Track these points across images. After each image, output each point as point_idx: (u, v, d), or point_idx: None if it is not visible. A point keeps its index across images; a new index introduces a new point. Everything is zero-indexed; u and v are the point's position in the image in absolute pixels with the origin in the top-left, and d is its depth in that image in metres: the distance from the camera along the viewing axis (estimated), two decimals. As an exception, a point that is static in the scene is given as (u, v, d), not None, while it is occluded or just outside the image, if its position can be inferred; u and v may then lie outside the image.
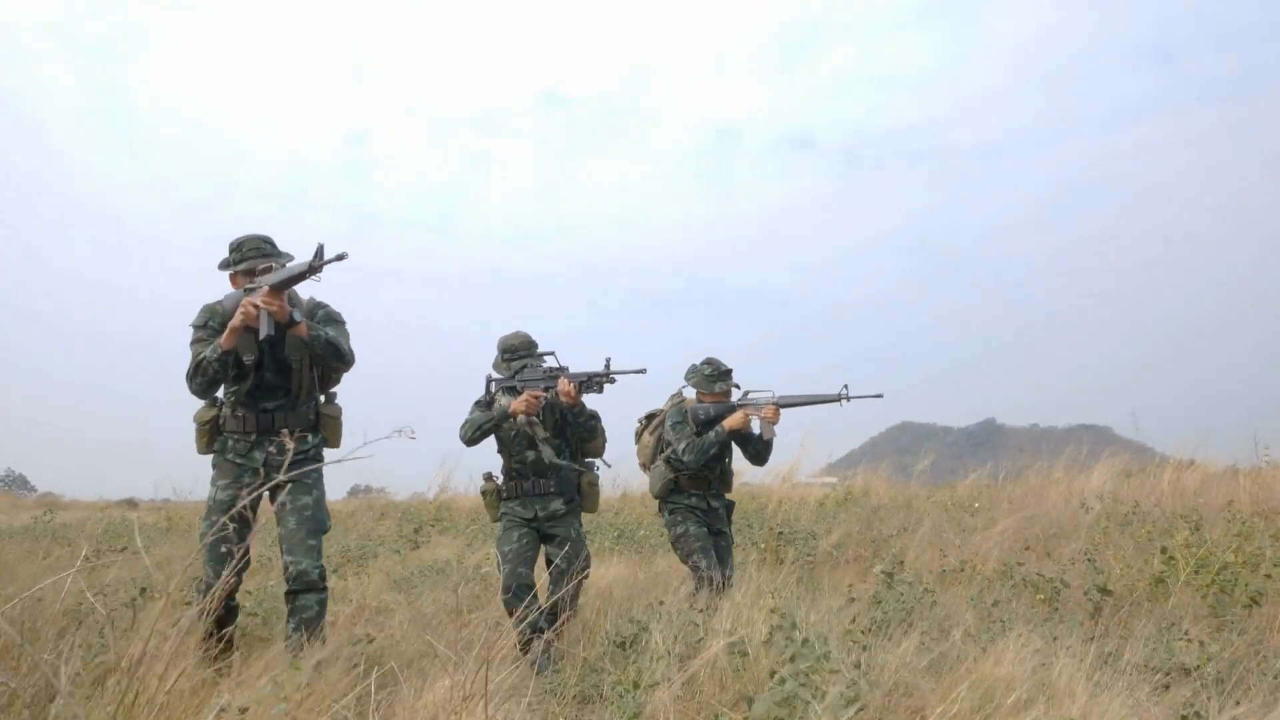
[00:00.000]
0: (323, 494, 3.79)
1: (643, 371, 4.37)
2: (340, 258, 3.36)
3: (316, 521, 3.70)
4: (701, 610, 4.13)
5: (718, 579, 4.75)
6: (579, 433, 4.54)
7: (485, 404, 4.59)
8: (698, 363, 5.22)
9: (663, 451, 5.22)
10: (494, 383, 4.64)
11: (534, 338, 4.71)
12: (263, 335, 3.52)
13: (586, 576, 4.45)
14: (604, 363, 4.42)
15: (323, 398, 3.95)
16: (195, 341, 3.73)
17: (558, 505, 4.48)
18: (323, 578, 3.64)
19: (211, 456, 3.81)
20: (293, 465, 3.43)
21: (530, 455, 4.49)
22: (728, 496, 5.30)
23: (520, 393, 4.47)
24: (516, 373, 4.52)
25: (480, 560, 6.61)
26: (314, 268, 3.39)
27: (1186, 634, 3.79)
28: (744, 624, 3.87)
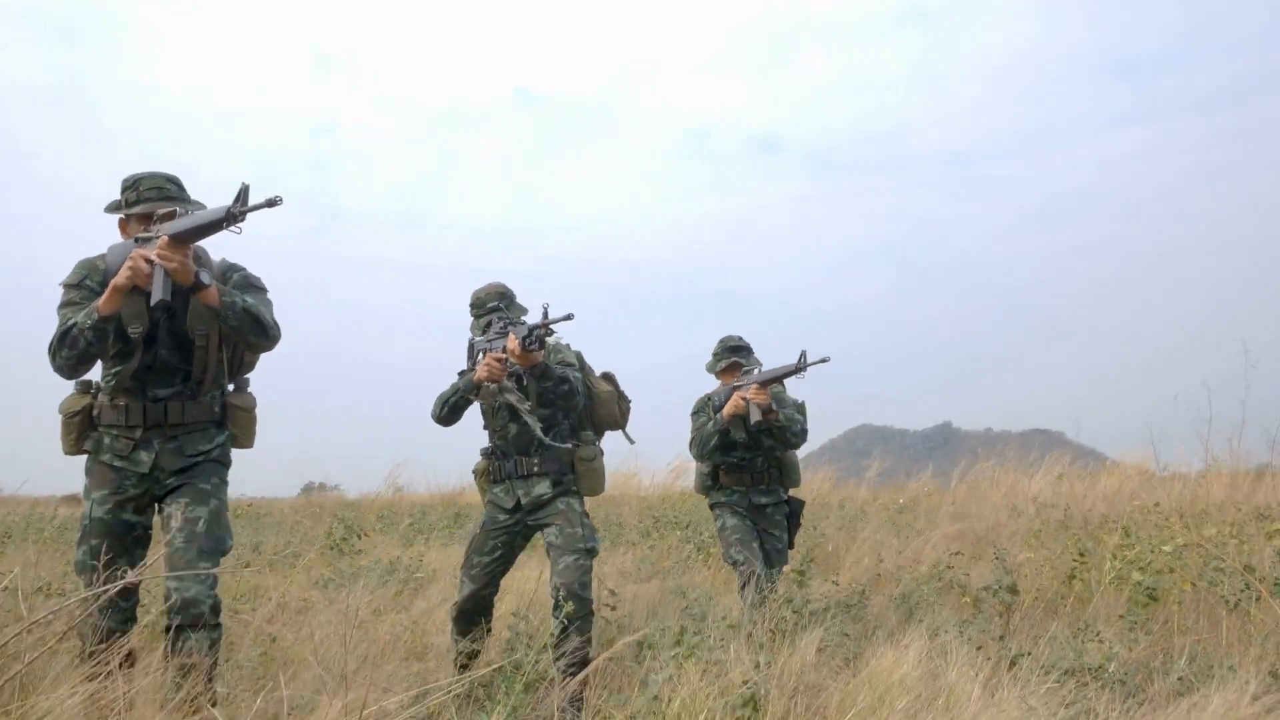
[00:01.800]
0: (223, 505, 2.99)
1: (569, 318, 3.55)
2: (272, 203, 2.62)
3: (213, 539, 2.88)
4: (752, 607, 3.86)
5: (759, 570, 4.29)
6: (559, 400, 3.74)
7: (466, 373, 3.93)
8: (716, 348, 4.83)
9: None
10: (475, 347, 3.94)
11: (510, 288, 4.00)
12: (155, 300, 2.71)
13: (593, 555, 3.65)
14: (541, 312, 3.59)
15: (232, 385, 3.19)
16: (65, 305, 2.91)
17: (543, 488, 3.75)
18: (215, 611, 2.81)
19: (84, 459, 3.01)
20: (194, 466, 2.95)
21: (513, 429, 3.80)
22: (792, 494, 4.76)
23: (483, 350, 3.80)
24: (483, 331, 3.85)
25: (411, 559, 6.53)
26: (233, 215, 2.63)
27: (1099, 635, 3.83)
28: (658, 620, 3.87)
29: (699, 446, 4.58)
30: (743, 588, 4.30)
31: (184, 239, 2.75)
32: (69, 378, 2.92)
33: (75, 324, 2.77)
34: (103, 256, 2.98)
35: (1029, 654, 3.44)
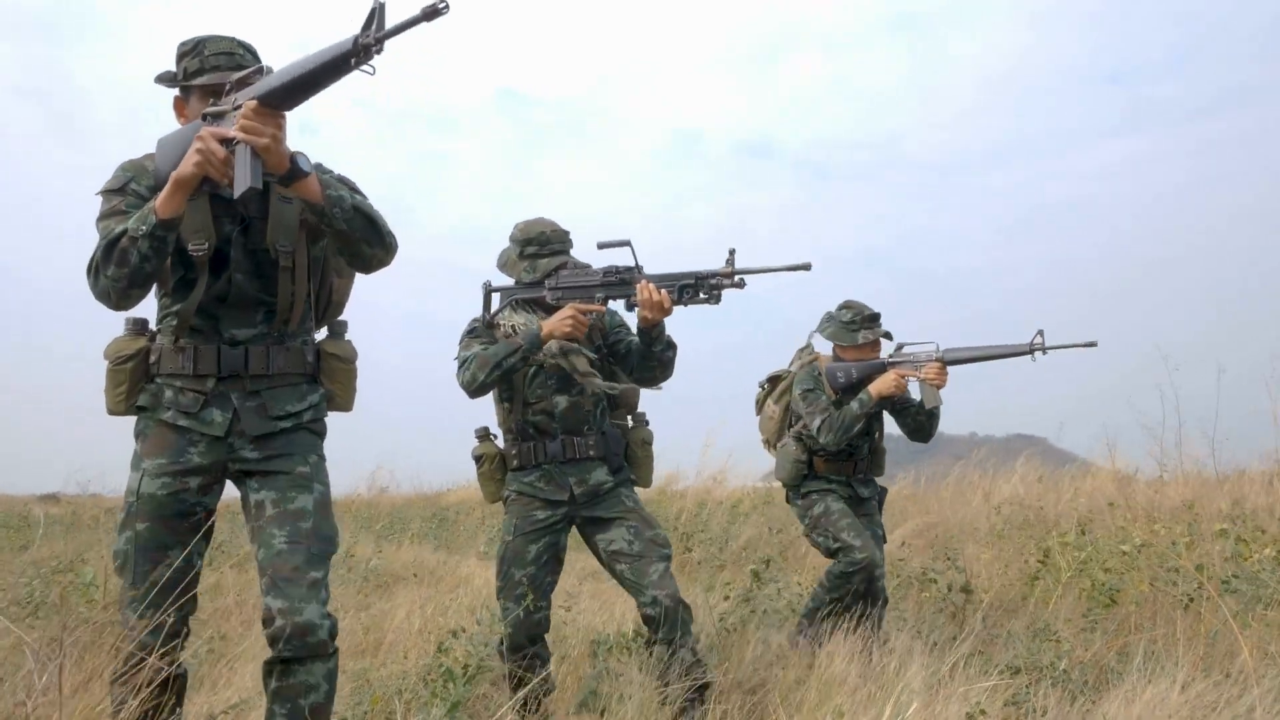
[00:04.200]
0: (329, 492, 2.32)
1: (806, 267, 2.94)
2: (432, 13, 1.76)
3: (323, 539, 2.20)
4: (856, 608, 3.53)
5: (875, 559, 3.83)
6: (643, 370, 3.12)
7: (487, 328, 3.19)
8: (833, 309, 4.15)
9: (792, 426, 4.20)
10: (499, 295, 3.21)
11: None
12: (240, 190, 2.00)
13: (668, 560, 3.05)
14: (726, 257, 2.94)
15: (324, 329, 2.48)
16: (107, 215, 2.20)
17: (601, 475, 3.12)
18: (333, 634, 2.14)
19: (135, 420, 2.30)
20: (283, 435, 2.26)
21: (561, 402, 3.11)
22: (879, 483, 4.28)
23: (556, 307, 3.09)
24: (546, 276, 3.12)
25: (380, 559, 6.51)
26: (364, 48, 1.83)
27: (1056, 635, 3.85)
28: (614, 621, 3.87)
29: (839, 431, 3.89)
30: (847, 576, 3.81)
31: (280, 101, 2.00)
32: (116, 306, 2.17)
33: (124, 232, 2.05)
34: (150, 156, 2.26)
35: (980, 653, 3.47)
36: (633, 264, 3.00)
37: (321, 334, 2.45)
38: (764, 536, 7.35)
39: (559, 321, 2.99)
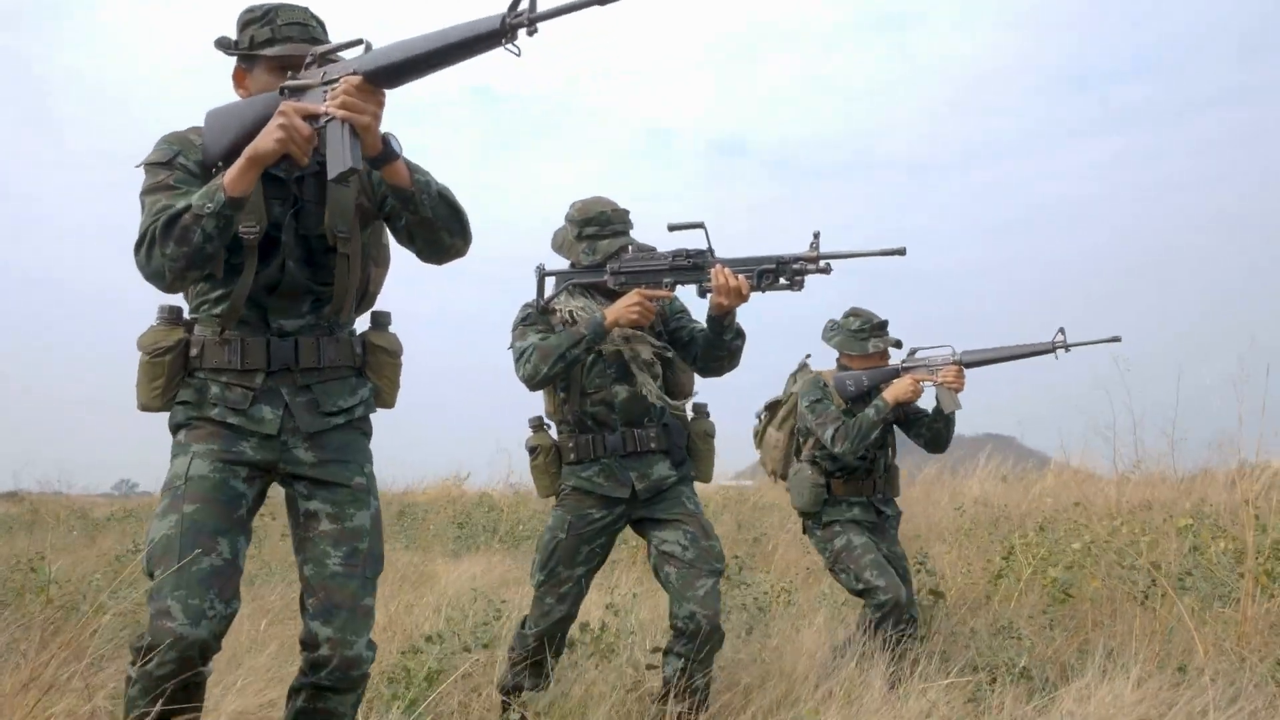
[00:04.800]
0: (379, 505, 2.16)
1: (900, 252, 2.77)
2: None
3: (374, 559, 2.08)
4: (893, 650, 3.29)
5: (902, 597, 3.56)
6: (710, 360, 2.94)
7: (542, 314, 2.98)
8: (839, 316, 3.93)
9: (801, 450, 3.94)
10: (554, 280, 3.01)
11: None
12: (336, 172, 1.85)
13: (718, 575, 2.87)
14: (810, 241, 2.75)
15: (367, 318, 2.32)
16: (154, 190, 2.02)
17: (664, 469, 2.96)
18: (370, 661, 2.04)
19: (174, 412, 2.10)
20: (337, 434, 2.11)
21: (621, 392, 2.93)
22: (897, 503, 4.02)
23: (616, 293, 2.90)
24: (609, 258, 2.92)
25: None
26: (512, 26, 1.66)
27: (1018, 632, 3.89)
28: (582, 614, 3.86)
29: (854, 438, 3.65)
30: (879, 621, 3.53)
31: (392, 78, 1.83)
32: (169, 288, 1.99)
33: (188, 209, 1.88)
34: (196, 130, 2.09)
35: (943, 652, 3.50)
36: (704, 247, 2.83)
37: (363, 324, 2.29)
38: (733, 535, 7.37)
39: (625, 308, 2.80)
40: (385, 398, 2.25)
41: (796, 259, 2.74)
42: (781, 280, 2.76)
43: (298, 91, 1.97)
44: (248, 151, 1.88)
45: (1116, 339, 3.80)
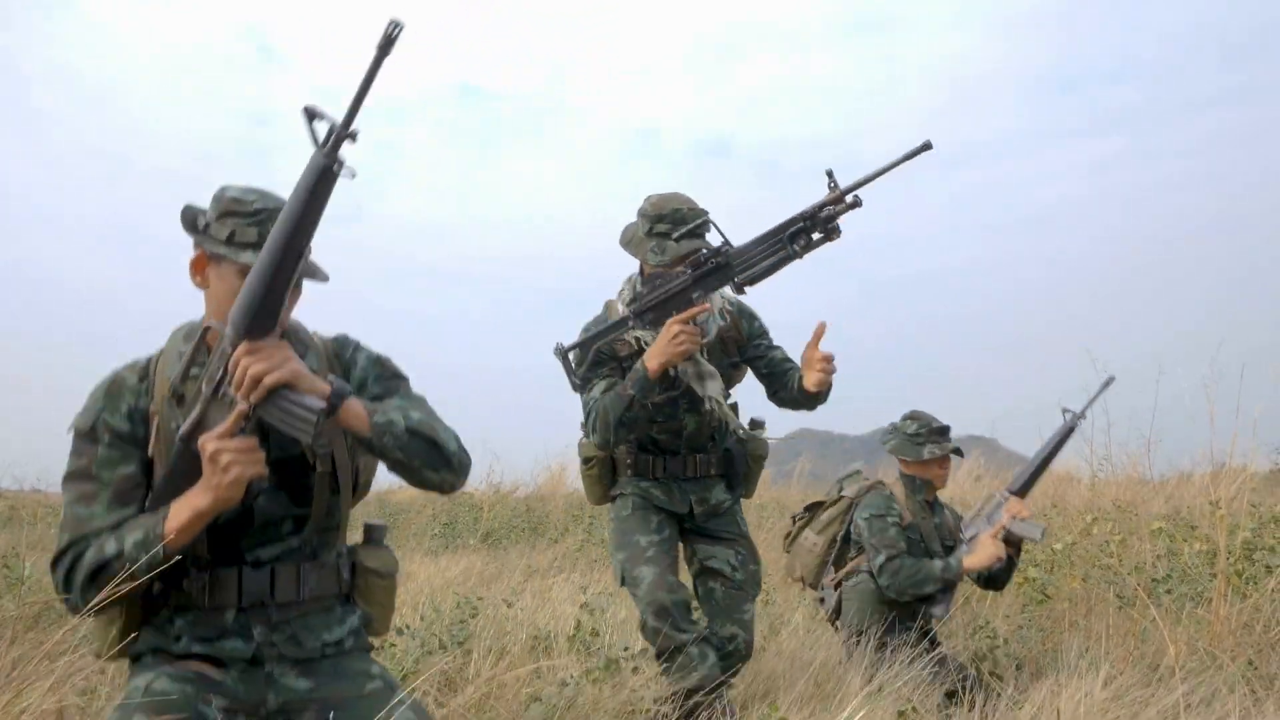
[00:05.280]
0: (413, 696, 1.85)
1: (927, 147, 2.46)
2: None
3: None
4: None
5: None
6: (789, 407, 2.91)
7: (602, 350, 2.80)
8: (898, 420, 3.74)
9: (843, 558, 3.71)
10: (628, 305, 2.77)
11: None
12: (306, 445, 1.73)
13: (755, 599, 2.91)
14: (828, 183, 2.51)
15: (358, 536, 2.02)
16: (75, 477, 1.77)
17: (721, 493, 2.93)
18: None
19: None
20: (326, 660, 1.83)
21: (690, 423, 2.83)
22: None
23: (650, 321, 2.68)
24: (679, 260, 2.66)
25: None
26: (335, 163, 1.49)
27: (992, 631, 3.92)
28: (556, 618, 3.86)
29: (906, 583, 3.39)
30: None
31: (265, 316, 1.63)
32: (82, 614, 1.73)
33: (119, 556, 1.65)
34: (132, 368, 1.83)
35: (922, 650, 3.52)
36: (718, 243, 2.63)
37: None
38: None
39: (668, 344, 2.57)
40: (377, 625, 1.96)
41: (821, 206, 2.50)
42: (816, 234, 2.51)
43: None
44: (196, 505, 1.63)
45: (1111, 379, 3.81)
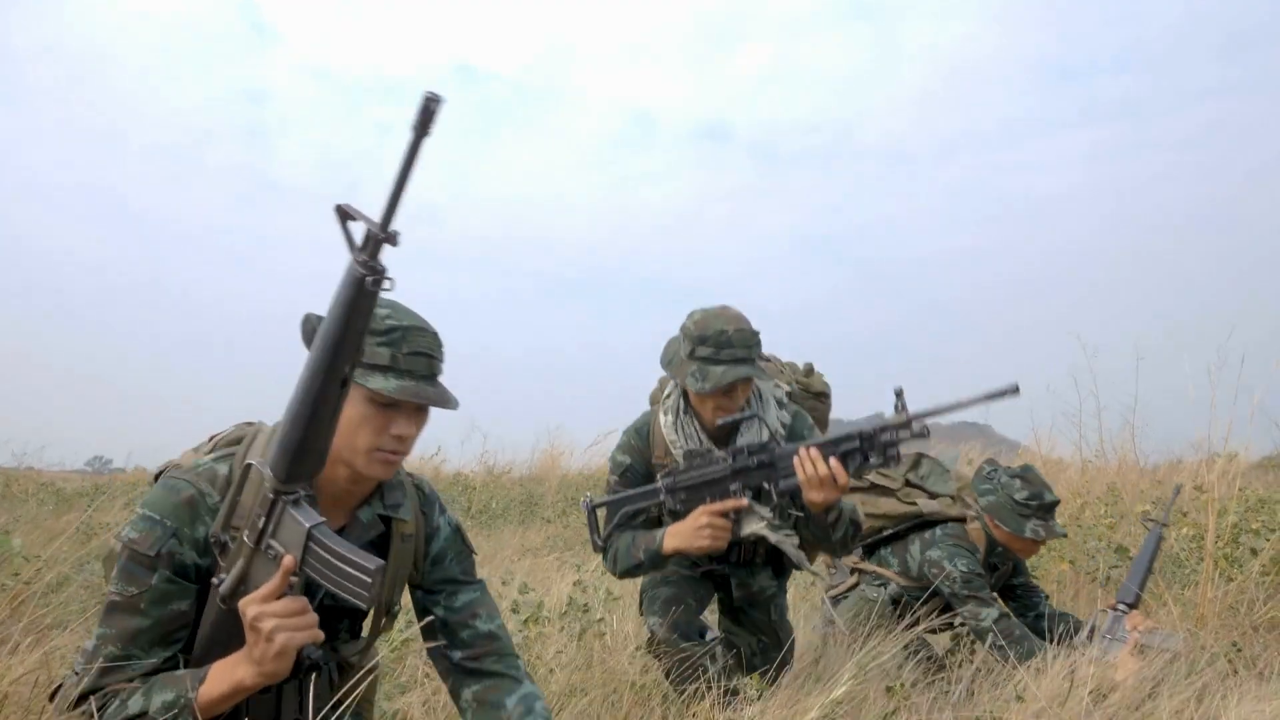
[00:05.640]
0: None
1: (1014, 391, 2.16)
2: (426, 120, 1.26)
3: None
4: None
5: None
6: (816, 548, 2.70)
7: (638, 472, 2.69)
8: (1005, 475, 3.31)
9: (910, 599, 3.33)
10: (606, 510, 2.66)
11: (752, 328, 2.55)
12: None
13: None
14: (894, 399, 2.47)
15: None
16: (119, 610, 1.54)
17: (765, 579, 2.86)
18: None
19: None
20: None
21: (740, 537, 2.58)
22: None
23: (682, 501, 2.52)
24: (720, 390, 2.47)
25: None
26: (373, 273, 1.30)
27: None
28: (547, 595, 3.87)
29: (1019, 654, 2.92)
30: None
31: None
32: None
33: (143, 714, 1.46)
34: (211, 473, 1.61)
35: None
36: (765, 437, 2.45)
37: None
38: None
39: (693, 533, 2.43)
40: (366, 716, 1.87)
41: (884, 429, 2.29)
42: (872, 459, 2.29)
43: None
44: (238, 679, 1.45)
45: (1180, 487, 3.72)
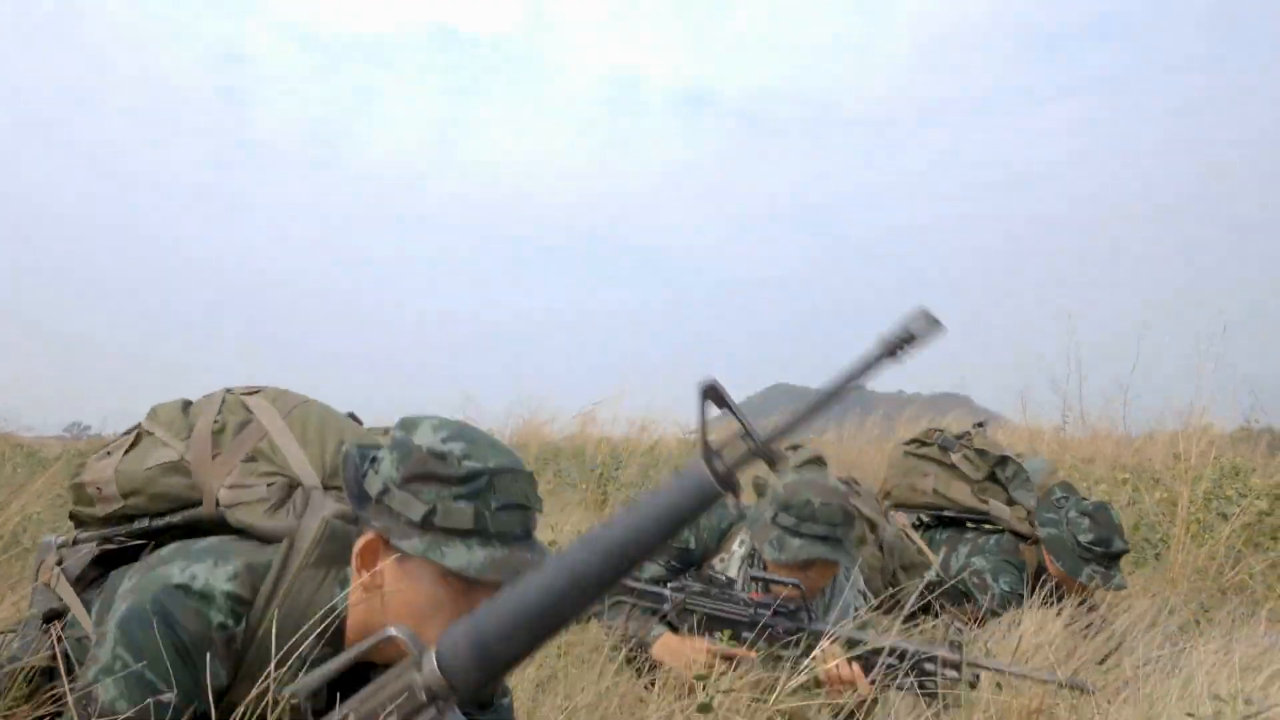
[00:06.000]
0: None
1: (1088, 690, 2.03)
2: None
3: None
4: None
5: None
6: None
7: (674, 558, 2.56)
8: (1074, 510, 3.11)
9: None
10: (610, 608, 2.41)
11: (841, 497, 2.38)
12: None
13: None
14: (950, 638, 2.34)
15: None
16: None
17: None
18: None
19: None
20: None
21: None
22: None
23: (690, 626, 2.31)
24: (802, 565, 2.31)
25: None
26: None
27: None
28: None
29: None
30: None
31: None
32: None
33: None
34: (234, 585, 1.23)
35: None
36: (799, 605, 2.23)
37: None
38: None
39: (686, 663, 2.20)
40: None
41: (930, 656, 2.09)
42: (907, 681, 2.10)
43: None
44: None
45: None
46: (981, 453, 3.46)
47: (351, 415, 1.53)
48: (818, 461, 3.05)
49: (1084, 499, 3.15)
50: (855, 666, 2.11)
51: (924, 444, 3.62)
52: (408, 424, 1.25)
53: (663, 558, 2.54)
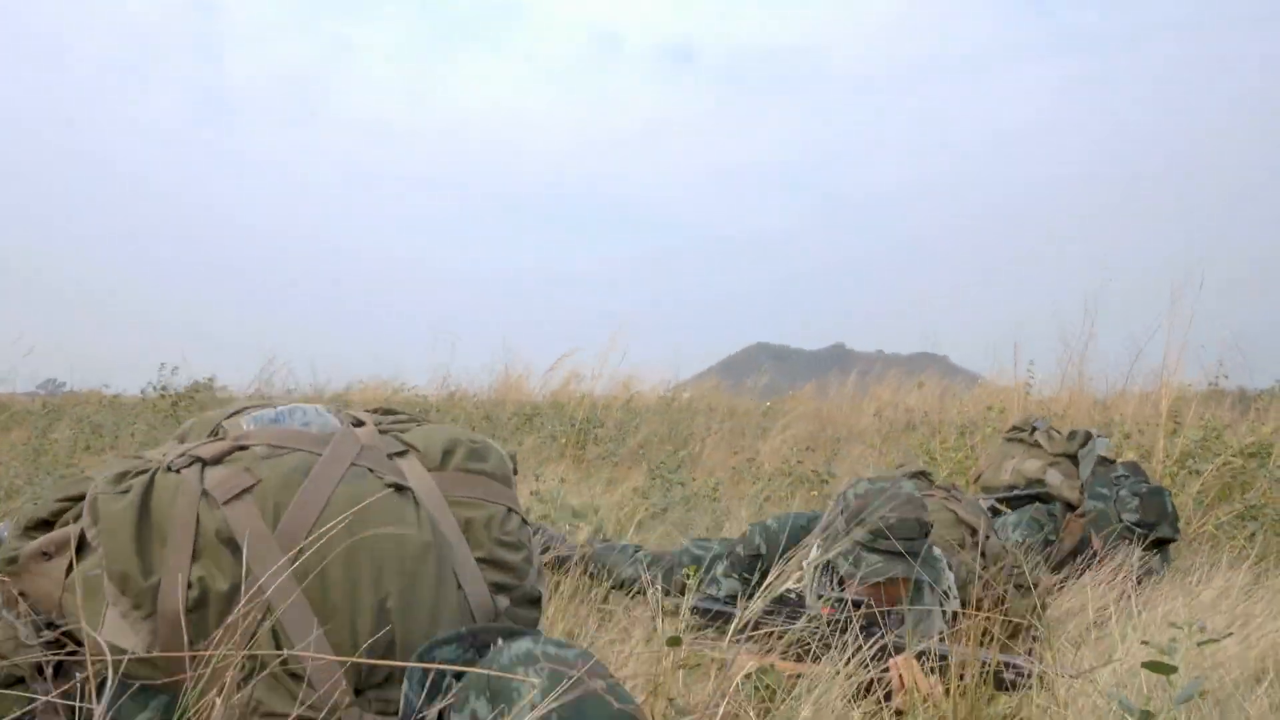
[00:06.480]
0: None
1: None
2: None
3: None
4: None
5: None
6: None
7: (745, 561, 2.51)
8: (1127, 489, 3.06)
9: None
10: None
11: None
12: None
13: None
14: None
15: None
16: None
17: None
18: None
19: None
20: None
21: None
22: None
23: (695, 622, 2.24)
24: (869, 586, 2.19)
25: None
26: None
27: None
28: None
29: None
30: None
31: None
32: None
33: None
34: None
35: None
36: (872, 620, 2.04)
37: None
38: (660, 434, 7.51)
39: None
40: None
41: (1011, 665, 1.91)
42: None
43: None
44: None
45: None
46: (1064, 432, 3.48)
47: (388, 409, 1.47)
48: (922, 476, 2.95)
49: (1143, 481, 3.05)
50: (936, 682, 1.93)
51: (1019, 429, 3.65)
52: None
53: (735, 571, 2.47)
